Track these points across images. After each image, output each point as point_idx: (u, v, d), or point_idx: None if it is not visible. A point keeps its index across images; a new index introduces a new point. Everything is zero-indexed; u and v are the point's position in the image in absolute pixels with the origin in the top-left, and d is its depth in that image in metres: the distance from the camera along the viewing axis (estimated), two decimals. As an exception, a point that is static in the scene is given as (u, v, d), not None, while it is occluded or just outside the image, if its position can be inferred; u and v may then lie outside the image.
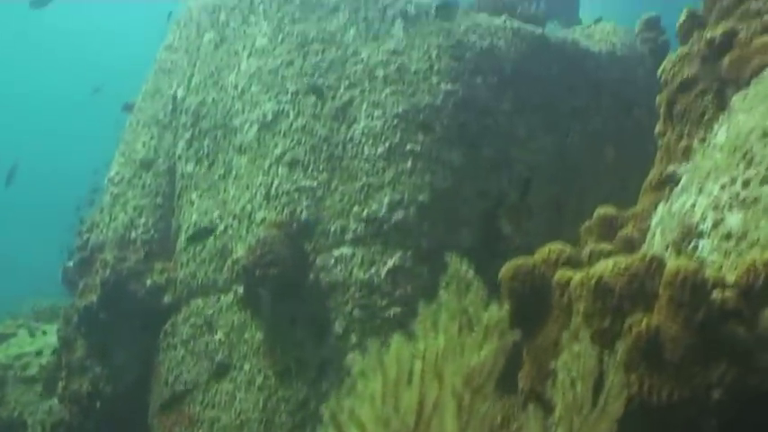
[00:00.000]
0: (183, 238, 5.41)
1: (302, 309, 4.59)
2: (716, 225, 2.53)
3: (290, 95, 5.09)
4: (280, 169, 4.92)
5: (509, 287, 2.35)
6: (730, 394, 1.84)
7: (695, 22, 3.32)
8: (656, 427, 1.89)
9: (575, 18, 9.76)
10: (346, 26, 5.18)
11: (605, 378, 1.79)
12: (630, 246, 3.12)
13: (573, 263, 2.41)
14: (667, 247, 2.75)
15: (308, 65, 5.10)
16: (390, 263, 4.47)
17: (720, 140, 2.80)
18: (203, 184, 5.42)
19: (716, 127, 2.88)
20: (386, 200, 4.54)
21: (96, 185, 7.00)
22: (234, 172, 5.21)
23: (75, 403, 5.62)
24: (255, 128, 5.18)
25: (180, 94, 5.96)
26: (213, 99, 5.58)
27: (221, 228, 5.10)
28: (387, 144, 4.70)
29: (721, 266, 2.44)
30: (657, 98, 3.45)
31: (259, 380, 4.71)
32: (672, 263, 1.90)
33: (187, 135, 5.67)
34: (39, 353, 6.95)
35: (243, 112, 5.33)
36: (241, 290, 4.63)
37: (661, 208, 3.24)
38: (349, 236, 4.56)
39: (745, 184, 2.49)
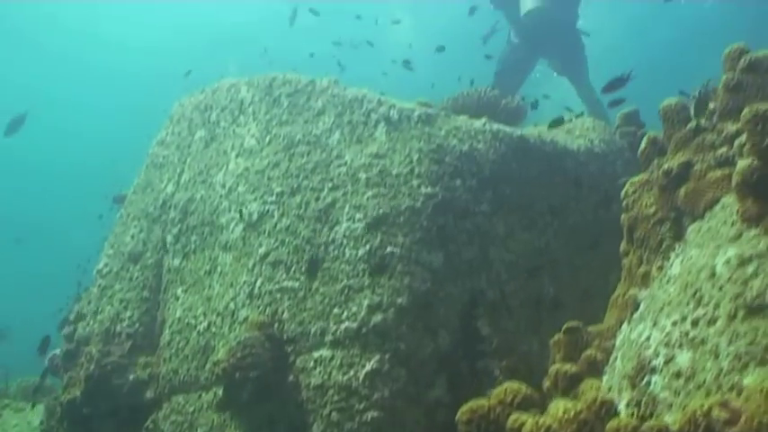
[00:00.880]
0: (167, 332, 5.48)
1: (281, 410, 4.62)
2: (667, 362, 2.62)
3: (275, 196, 5.24)
4: (263, 269, 5.02)
5: (465, 431, 2.42)
6: None
7: (655, 149, 3.47)
8: None
9: (584, 78, 10.23)
10: (332, 129, 5.37)
11: None
12: (594, 368, 3.20)
13: (528, 403, 2.49)
14: (624, 378, 2.83)
15: (293, 166, 5.27)
16: (368, 366, 4.53)
17: (675, 272, 2.91)
18: (189, 279, 5.52)
19: (672, 257, 2.99)
20: (365, 302, 4.63)
21: (80, 279, 7.08)
22: (219, 269, 5.32)
23: (56, 498, 5.57)
24: (241, 227, 5.31)
25: (170, 189, 6.13)
26: (201, 196, 5.74)
27: (204, 324, 5.18)
28: (367, 246, 4.82)
29: (671, 405, 2.52)
30: (621, 217, 3.57)
31: (237, 481, 4.69)
32: (612, 422, 1.98)
33: (175, 230, 5.81)
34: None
35: (229, 210, 5.47)
36: (221, 392, 4.67)
37: (625, 328, 3.34)
38: (329, 338, 4.63)
39: (695, 323, 2.59)
